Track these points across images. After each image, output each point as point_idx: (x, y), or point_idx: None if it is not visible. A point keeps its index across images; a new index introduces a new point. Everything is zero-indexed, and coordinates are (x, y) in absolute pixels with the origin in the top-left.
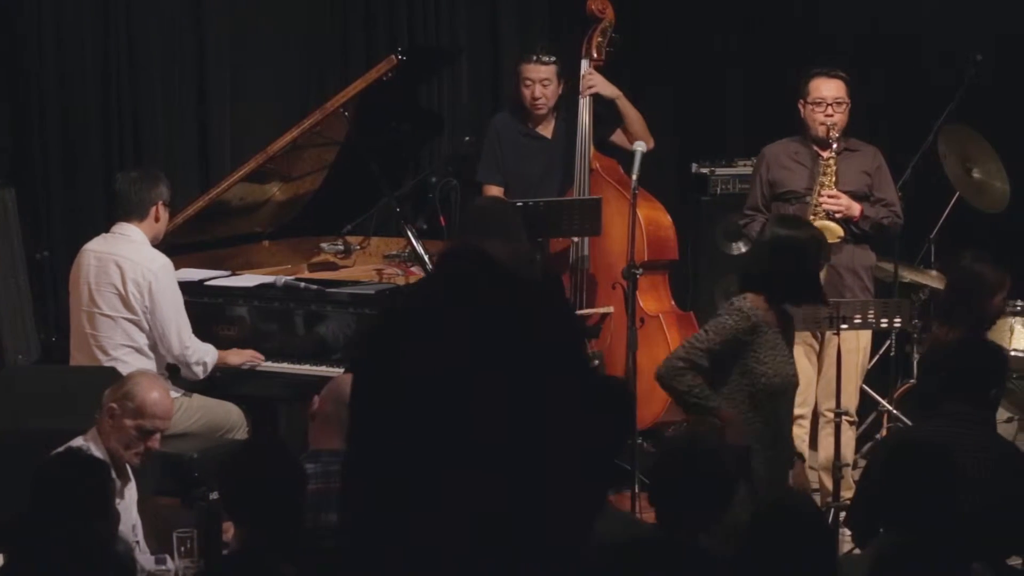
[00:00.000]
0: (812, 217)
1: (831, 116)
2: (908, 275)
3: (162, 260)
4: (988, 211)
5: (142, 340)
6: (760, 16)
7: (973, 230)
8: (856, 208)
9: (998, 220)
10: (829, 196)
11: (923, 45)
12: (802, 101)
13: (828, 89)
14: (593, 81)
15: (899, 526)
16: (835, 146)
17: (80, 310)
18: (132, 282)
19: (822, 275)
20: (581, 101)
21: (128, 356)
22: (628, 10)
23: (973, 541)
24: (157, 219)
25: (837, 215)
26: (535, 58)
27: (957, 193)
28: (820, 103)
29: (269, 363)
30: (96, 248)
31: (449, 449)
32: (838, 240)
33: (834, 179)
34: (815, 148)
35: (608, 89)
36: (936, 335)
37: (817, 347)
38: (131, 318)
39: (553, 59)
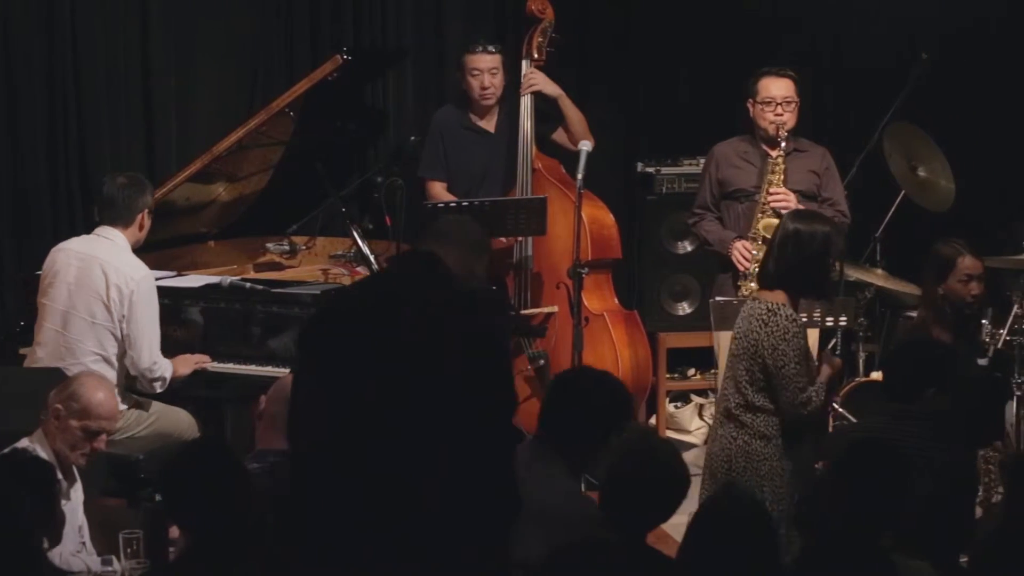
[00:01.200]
0: (760, 215)
1: (780, 115)
2: (853, 274)
3: (145, 271)
4: (933, 210)
5: (112, 349)
6: (706, 14)
7: (918, 229)
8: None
9: (944, 218)
10: (777, 194)
11: (869, 44)
12: (751, 100)
13: (777, 88)
14: (535, 79)
15: (837, 521)
16: (784, 145)
17: (55, 309)
18: (115, 287)
19: None
20: (523, 101)
21: (95, 365)
22: (574, 9)
23: (903, 539)
24: (141, 227)
25: (786, 212)
26: (481, 48)
27: (903, 192)
28: (770, 102)
29: (216, 364)
30: (78, 249)
31: (357, 440)
32: None
33: (782, 178)
34: (764, 147)
35: (550, 87)
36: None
37: None
38: (107, 324)
39: (499, 48)
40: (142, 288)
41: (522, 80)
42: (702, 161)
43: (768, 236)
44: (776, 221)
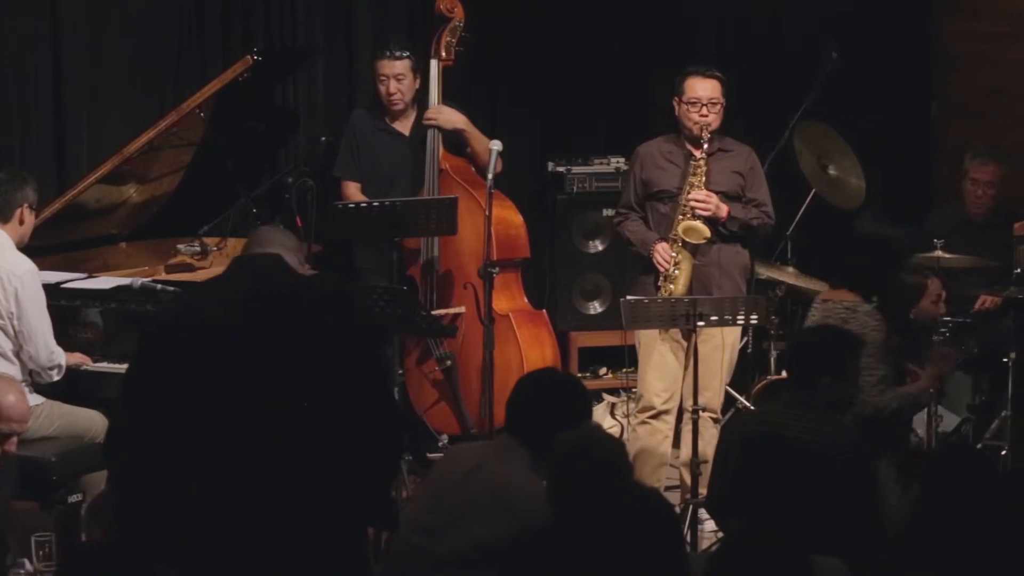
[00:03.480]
0: (680, 217)
1: (705, 116)
2: (765, 272)
3: (28, 265)
4: (844, 207)
5: (7, 346)
6: (619, 13)
7: (829, 227)
8: (724, 209)
9: (853, 216)
10: (697, 197)
11: (780, 41)
12: (677, 99)
13: (703, 89)
14: (435, 119)
15: (743, 514)
16: (706, 146)
17: None
18: None
19: (690, 275)
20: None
21: None
22: (484, 8)
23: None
24: (22, 222)
25: (705, 215)
26: (388, 53)
27: (813, 190)
28: (695, 103)
29: (126, 365)
30: None
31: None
32: (704, 241)
33: (704, 179)
34: (689, 147)
35: (451, 123)
36: None
37: (684, 344)
38: None
39: (407, 54)
40: (27, 283)
41: (426, 114)
42: (613, 161)
43: (687, 238)
44: (695, 224)
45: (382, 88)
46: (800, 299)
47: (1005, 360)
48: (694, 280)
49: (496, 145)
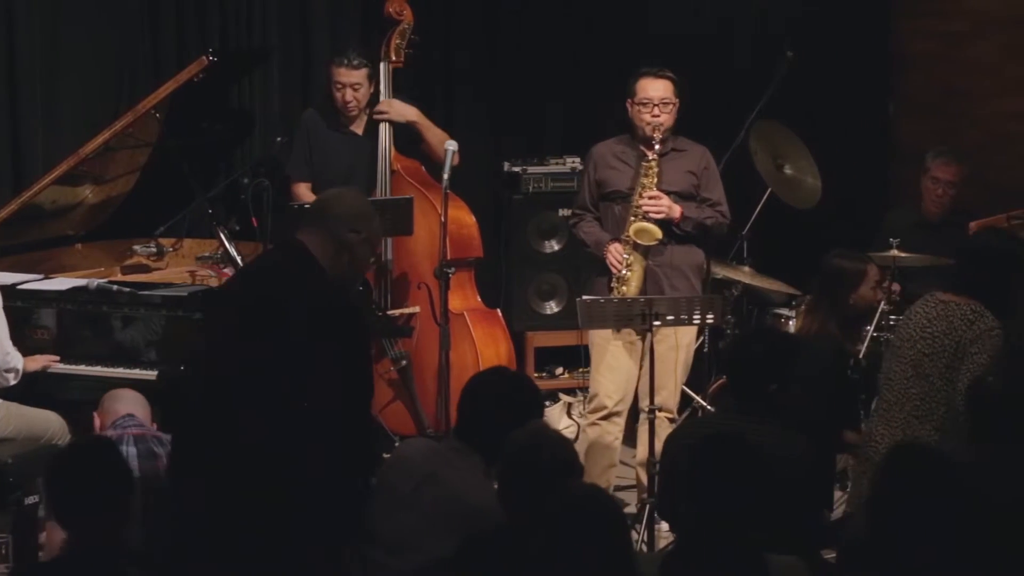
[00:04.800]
0: (631, 218)
1: (657, 116)
2: (720, 271)
3: None
4: (800, 207)
5: None
6: (574, 14)
7: (785, 226)
8: (677, 210)
9: (810, 215)
10: (649, 198)
11: (736, 40)
12: (630, 100)
13: (655, 89)
14: (386, 112)
15: (697, 515)
16: (658, 147)
17: None
18: None
19: (642, 276)
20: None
21: None
22: (438, 8)
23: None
24: None
25: (658, 216)
26: (346, 62)
27: (769, 189)
28: (647, 103)
29: (82, 367)
30: None
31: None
32: (655, 242)
33: (656, 180)
34: (642, 148)
35: (402, 117)
36: (801, 327)
37: (640, 344)
38: None
39: (365, 63)
40: None
41: (376, 108)
42: (569, 161)
43: (639, 240)
44: (647, 225)
45: (338, 95)
46: (756, 299)
47: None
48: (647, 281)
49: (452, 145)
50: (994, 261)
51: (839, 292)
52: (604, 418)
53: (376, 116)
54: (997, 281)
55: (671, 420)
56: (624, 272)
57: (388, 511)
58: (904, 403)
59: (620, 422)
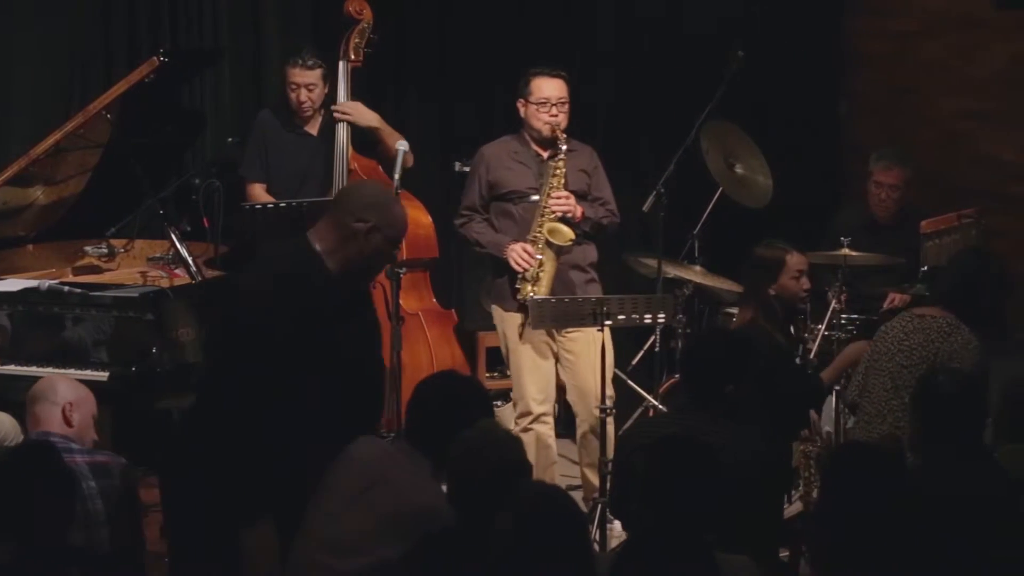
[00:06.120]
0: (542, 218)
1: (555, 116)
2: (671, 270)
3: None
4: (751, 206)
5: None
6: (525, 13)
7: (736, 226)
8: (579, 210)
9: (761, 215)
10: (559, 197)
11: (686, 39)
12: (523, 101)
13: (551, 89)
14: (348, 113)
15: (650, 514)
16: (564, 148)
17: None
18: None
19: (553, 276)
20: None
21: None
22: (392, 9)
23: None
24: None
25: (567, 215)
26: (300, 62)
27: (720, 189)
28: (544, 103)
29: (34, 368)
30: None
31: None
32: (569, 243)
33: (563, 180)
34: (535, 148)
35: (364, 119)
36: (736, 320)
37: (554, 345)
38: None
39: (319, 63)
40: None
41: (337, 107)
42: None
43: (553, 240)
44: (560, 226)
45: (292, 96)
46: (707, 298)
47: None
48: (555, 280)
49: (403, 145)
50: (968, 276)
51: (760, 283)
52: (534, 422)
53: (339, 116)
54: (971, 295)
55: (606, 412)
56: (535, 271)
57: (333, 511)
58: (886, 415)
59: (550, 420)
